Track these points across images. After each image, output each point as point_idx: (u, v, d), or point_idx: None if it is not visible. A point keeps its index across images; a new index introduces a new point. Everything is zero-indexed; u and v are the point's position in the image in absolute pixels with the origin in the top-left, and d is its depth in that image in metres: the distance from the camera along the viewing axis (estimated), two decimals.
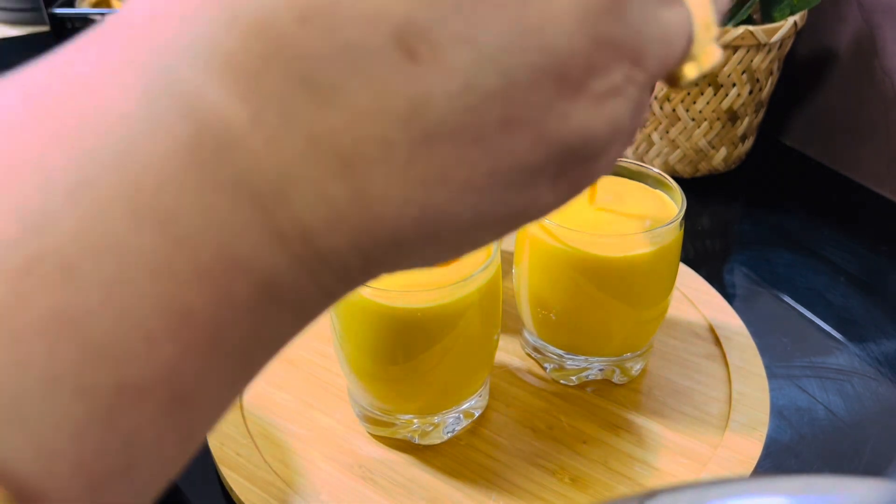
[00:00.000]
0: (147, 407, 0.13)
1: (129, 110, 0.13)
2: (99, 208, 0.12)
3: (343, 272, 0.15)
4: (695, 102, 0.59)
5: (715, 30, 0.17)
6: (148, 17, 0.14)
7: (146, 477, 0.14)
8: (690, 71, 0.17)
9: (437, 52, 0.13)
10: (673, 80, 0.18)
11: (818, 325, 0.49)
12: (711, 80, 0.57)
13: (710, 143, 0.61)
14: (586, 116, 0.15)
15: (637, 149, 0.64)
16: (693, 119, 0.60)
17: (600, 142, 0.16)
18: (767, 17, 0.58)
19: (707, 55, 0.17)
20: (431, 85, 0.13)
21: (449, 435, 0.40)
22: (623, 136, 0.17)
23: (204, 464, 0.39)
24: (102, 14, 0.72)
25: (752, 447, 0.39)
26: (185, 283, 0.13)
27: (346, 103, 0.13)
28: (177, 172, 0.13)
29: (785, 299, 0.51)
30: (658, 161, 0.63)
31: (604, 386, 0.43)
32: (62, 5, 0.71)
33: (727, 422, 0.40)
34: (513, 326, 0.46)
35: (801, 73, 0.67)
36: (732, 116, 0.60)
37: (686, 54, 0.17)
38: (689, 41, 0.17)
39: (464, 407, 0.40)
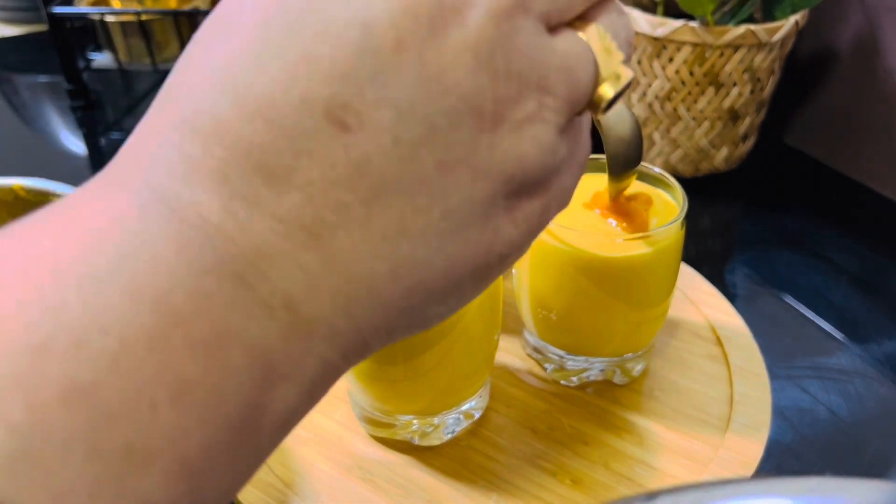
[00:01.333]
0: (155, 471, 0.14)
1: (125, 218, 0.15)
2: (101, 292, 0.14)
3: (335, 338, 0.16)
4: (696, 102, 0.59)
5: (619, 54, 0.19)
6: (133, 144, 0.17)
7: None
8: (607, 91, 0.19)
9: (363, 119, 0.15)
10: (595, 104, 0.19)
11: (820, 326, 0.49)
12: (712, 79, 0.57)
13: (711, 142, 0.61)
14: (511, 143, 0.17)
15: None
16: (694, 118, 0.60)
17: (536, 166, 0.17)
18: (769, 16, 0.58)
19: (618, 76, 0.19)
20: (366, 147, 0.15)
21: (449, 436, 0.40)
22: (564, 162, 0.19)
23: None
24: (101, 13, 0.72)
25: (753, 448, 0.39)
26: (181, 354, 0.14)
27: (300, 181, 0.15)
28: (167, 261, 0.15)
29: (786, 299, 0.51)
30: (659, 160, 0.63)
31: (604, 387, 0.43)
32: (61, 4, 0.71)
33: (728, 422, 0.40)
34: (513, 327, 0.46)
35: (802, 72, 0.67)
36: (734, 116, 0.60)
37: (596, 79, 0.18)
38: (594, 66, 0.18)
39: (464, 408, 0.40)
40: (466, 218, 0.17)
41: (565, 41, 0.18)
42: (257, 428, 0.16)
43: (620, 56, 0.19)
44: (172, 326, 0.14)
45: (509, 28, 0.16)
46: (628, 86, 0.19)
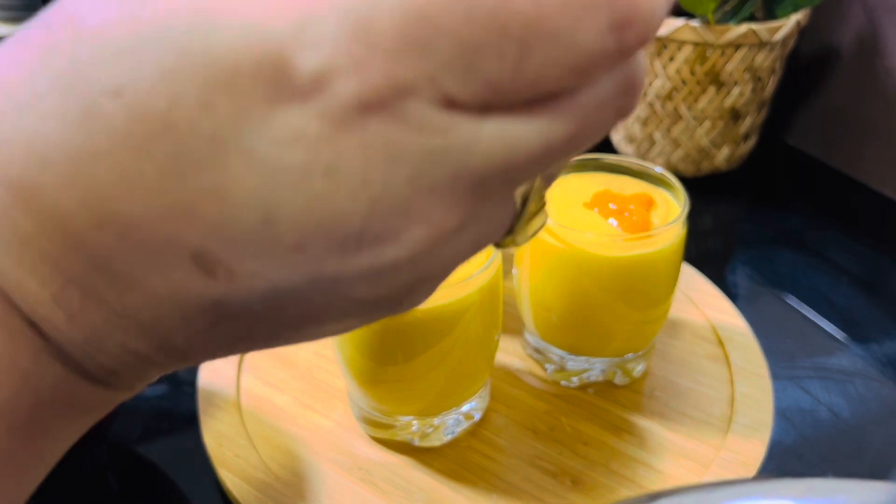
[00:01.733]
0: None
1: None
2: None
3: (156, 377, 0.17)
4: (697, 101, 0.59)
5: (544, 201, 0.17)
6: None
7: None
8: (520, 239, 0.17)
9: (234, 276, 0.14)
10: (498, 245, 0.18)
11: (821, 326, 0.48)
12: (714, 78, 0.57)
13: (712, 141, 0.61)
14: (387, 309, 0.16)
15: (639, 147, 0.64)
16: (695, 118, 0.60)
17: (404, 306, 0.17)
18: (770, 15, 0.58)
19: (533, 224, 0.17)
20: (229, 295, 0.14)
21: (449, 437, 0.40)
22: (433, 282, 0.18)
23: (202, 465, 0.39)
24: None
25: (754, 449, 0.38)
26: None
27: (145, 291, 0.14)
28: None
29: (788, 300, 0.51)
30: (660, 160, 0.63)
31: (605, 387, 0.43)
32: None
33: (730, 423, 0.40)
34: (513, 327, 0.46)
35: (803, 71, 0.67)
36: (735, 115, 0.60)
37: (505, 234, 0.17)
38: (509, 225, 0.17)
39: (464, 409, 0.39)
40: (312, 331, 0.17)
41: (492, 217, 0.16)
42: (59, 447, 0.17)
43: (544, 203, 0.17)
44: None
45: (430, 254, 0.15)
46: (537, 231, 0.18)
